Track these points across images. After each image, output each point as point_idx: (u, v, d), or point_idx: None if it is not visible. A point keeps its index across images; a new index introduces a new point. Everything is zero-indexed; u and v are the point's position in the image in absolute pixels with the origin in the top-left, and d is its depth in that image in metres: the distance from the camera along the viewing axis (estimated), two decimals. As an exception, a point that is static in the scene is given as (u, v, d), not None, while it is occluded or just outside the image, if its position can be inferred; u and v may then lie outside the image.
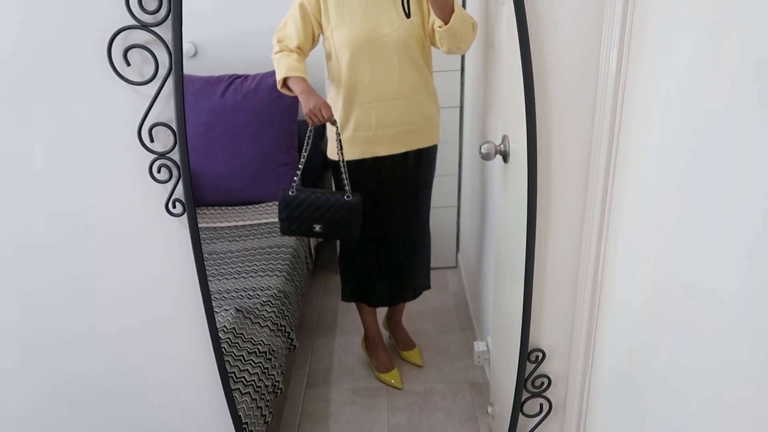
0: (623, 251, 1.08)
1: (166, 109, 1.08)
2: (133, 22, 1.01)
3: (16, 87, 1.08)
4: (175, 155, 1.10)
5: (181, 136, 1.08)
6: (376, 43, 1.69)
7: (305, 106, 1.69)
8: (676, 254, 0.89)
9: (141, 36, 1.03)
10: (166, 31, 1.03)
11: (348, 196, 1.75)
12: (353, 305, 2.18)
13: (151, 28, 1.02)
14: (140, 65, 1.06)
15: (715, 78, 0.77)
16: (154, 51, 1.04)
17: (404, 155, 1.87)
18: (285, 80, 1.73)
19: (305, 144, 1.78)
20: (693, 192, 0.84)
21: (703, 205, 0.81)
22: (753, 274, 0.71)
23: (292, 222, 1.77)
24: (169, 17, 1.01)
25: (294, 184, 1.77)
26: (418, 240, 2.06)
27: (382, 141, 1.82)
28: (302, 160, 1.79)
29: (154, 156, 1.10)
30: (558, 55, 1.07)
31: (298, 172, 1.80)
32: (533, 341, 1.28)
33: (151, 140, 1.09)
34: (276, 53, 1.77)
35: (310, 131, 1.76)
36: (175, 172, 1.11)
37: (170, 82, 1.05)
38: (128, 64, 1.05)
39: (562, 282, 1.25)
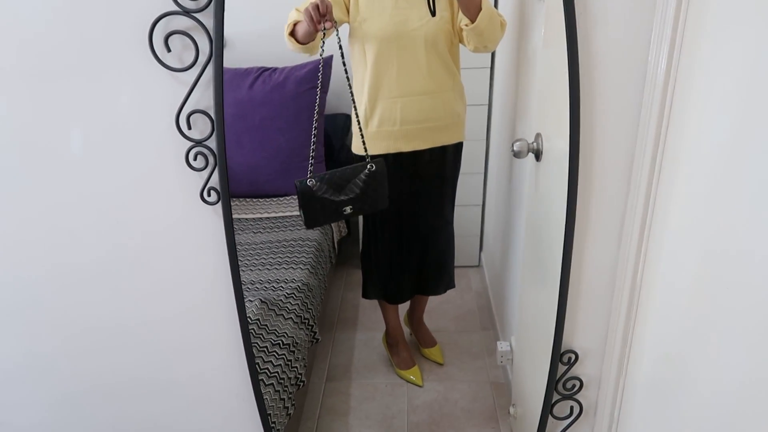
0: (667, 254, 1.05)
1: (204, 97, 1.08)
2: (176, 8, 1.01)
3: (56, 71, 1.08)
4: (212, 143, 1.09)
5: (219, 123, 1.07)
6: (404, 37, 1.67)
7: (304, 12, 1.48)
8: (728, 259, 0.86)
9: (182, 22, 1.02)
10: (207, 18, 1.02)
11: (371, 167, 1.55)
12: (375, 301, 2.16)
13: (193, 15, 1.01)
14: (180, 52, 1.05)
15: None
16: (195, 37, 1.03)
17: (429, 151, 1.85)
18: (294, 30, 1.62)
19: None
20: (747, 196, 0.81)
21: (758, 210, 0.78)
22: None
23: (317, 212, 1.55)
24: (212, 4, 1.00)
25: (310, 175, 1.52)
26: (442, 238, 2.04)
27: (407, 137, 1.80)
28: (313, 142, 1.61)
29: (191, 143, 1.09)
30: (606, 51, 1.05)
31: (311, 161, 1.56)
32: (566, 342, 1.26)
33: (189, 127, 1.09)
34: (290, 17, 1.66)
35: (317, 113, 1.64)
36: (211, 160, 1.11)
37: (210, 69, 1.05)
38: (169, 50, 1.04)
39: (599, 283, 1.22)
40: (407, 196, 1.91)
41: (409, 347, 2.21)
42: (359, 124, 1.74)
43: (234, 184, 2.51)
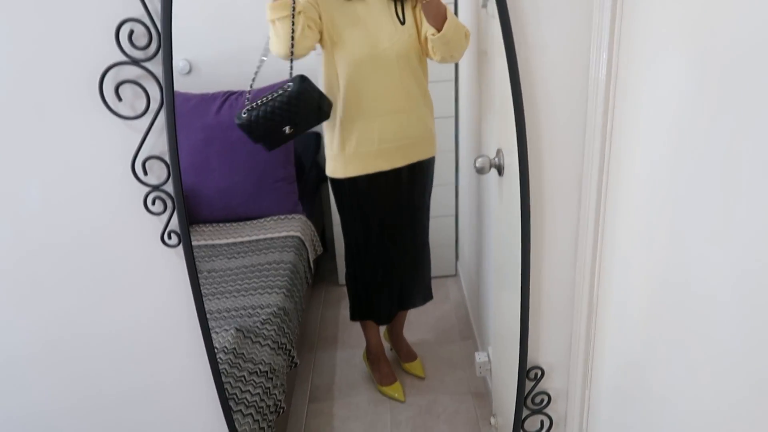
0: (618, 268, 1.09)
1: (159, 142, 1.09)
2: (124, 58, 1.02)
3: (8, 124, 1.08)
4: (169, 187, 1.10)
5: (175, 168, 1.08)
6: (377, 57, 1.68)
7: None
8: (669, 272, 0.89)
9: (132, 71, 1.04)
10: (156, 66, 1.03)
11: (289, 85, 1.62)
12: (355, 317, 2.18)
13: (142, 64, 1.03)
14: (132, 100, 1.06)
15: (700, 102, 0.78)
16: (145, 86, 1.04)
17: (406, 168, 1.86)
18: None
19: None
20: (683, 210, 0.84)
21: (692, 223, 0.82)
22: (742, 292, 0.72)
23: (263, 135, 1.69)
24: (160, 52, 1.02)
25: (242, 110, 1.67)
26: (422, 251, 2.06)
27: (385, 155, 1.81)
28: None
29: (148, 189, 1.10)
30: (546, 76, 1.08)
31: (249, 97, 1.71)
32: (532, 359, 1.28)
33: (145, 173, 1.10)
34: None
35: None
36: (169, 203, 1.12)
37: (162, 115, 1.06)
38: (120, 99, 1.05)
39: (559, 299, 1.25)
40: (389, 215, 1.93)
41: (390, 363, 2.22)
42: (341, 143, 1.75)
43: (205, 209, 2.52)
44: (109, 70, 1.03)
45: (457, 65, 2.45)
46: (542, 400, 1.32)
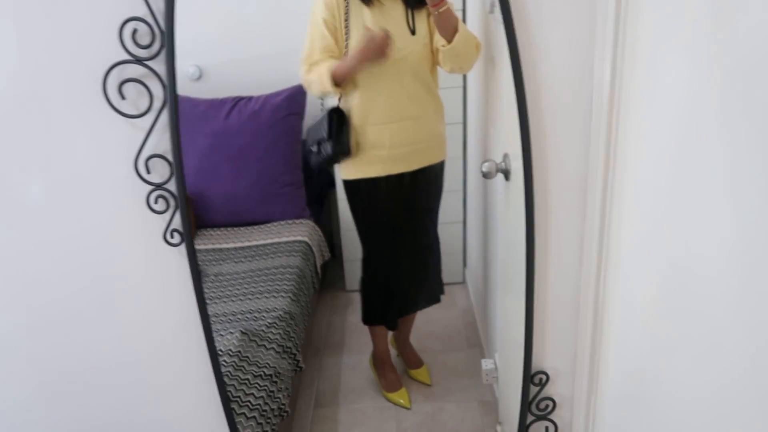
0: (623, 273, 1.07)
1: (162, 141, 1.09)
2: (128, 57, 1.03)
3: (10, 122, 1.09)
4: (172, 186, 1.11)
5: (177, 166, 1.08)
6: (391, 66, 1.70)
7: (366, 49, 1.62)
8: (673, 275, 0.87)
9: (135, 70, 1.04)
10: (159, 65, 1.04)
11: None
12: (360, 322, 2.17)
13: (145, 63, 1.03)
14: (135, 98, 1.07)
15: (706, 102, 0.77)
16: (148, 84, 1.05)
17: (418, 172, 1.88)
18: (334, 78, 1.68)
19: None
20: (688, 211, 0.83)
21: (699, 224, 0.80)
22: (746, 290, 0.70)
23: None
24: (163, 51, 1.02)
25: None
26: (434, 252, 2.09)
27: (396, 159, 1.84)
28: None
29: (150, 187, 1.11)
30: (551, 78, 1.07)
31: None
32: (537, 363, 1.26)
33: (148, 172, 1.10)
34: (307, 73, 1.74)
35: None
36: (172, 202, 1.12)
37: (165, 114, 1.06)
38: (123, 98, 1.06)
39: (564, 303, 1.23)
40: (402, 218, 1.95)
41: (396, 369, 2.21)
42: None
43: (214, 214, 2.53)
44: (112, 69, 1.04)
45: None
46: (547, 406, 1.30)
